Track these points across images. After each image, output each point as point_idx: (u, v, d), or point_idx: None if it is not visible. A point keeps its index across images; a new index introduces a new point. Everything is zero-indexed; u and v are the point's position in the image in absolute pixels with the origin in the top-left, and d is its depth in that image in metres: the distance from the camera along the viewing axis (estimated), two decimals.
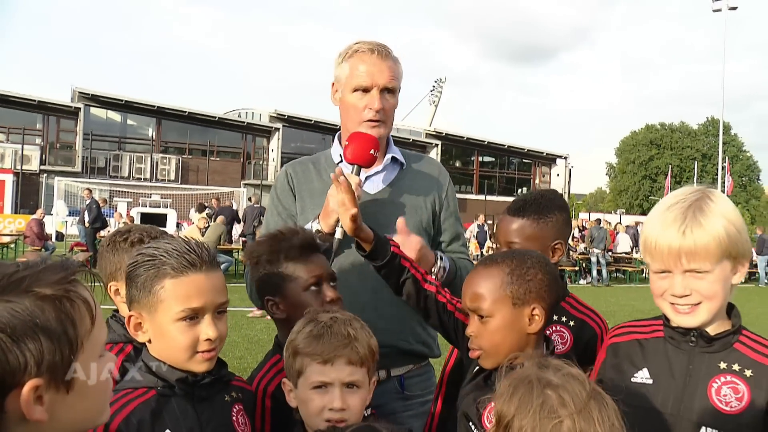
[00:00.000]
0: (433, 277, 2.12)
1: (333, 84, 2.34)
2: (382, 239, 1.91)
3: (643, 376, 1.69)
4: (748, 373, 1.59)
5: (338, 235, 2.08)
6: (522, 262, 1.72)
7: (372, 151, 2.14)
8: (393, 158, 2.38)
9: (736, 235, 1.58)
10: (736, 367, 1.61)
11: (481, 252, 20.84)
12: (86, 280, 1.18)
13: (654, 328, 1.75)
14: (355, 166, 2.15)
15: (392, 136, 2.46)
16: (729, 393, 1.59)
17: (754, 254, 23.79)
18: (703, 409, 1.60)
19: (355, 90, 2.23)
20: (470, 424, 1.69)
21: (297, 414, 1.69)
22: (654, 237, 1.61)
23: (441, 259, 2.23)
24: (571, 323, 2.03)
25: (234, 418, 1.67)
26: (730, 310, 1.68)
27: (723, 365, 1.62)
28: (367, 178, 2.32)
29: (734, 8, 37.81)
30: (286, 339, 1.74)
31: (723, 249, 1.57)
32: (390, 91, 2.24)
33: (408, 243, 2.06)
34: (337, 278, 2.17)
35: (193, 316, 1.57)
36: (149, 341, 1.61)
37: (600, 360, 1.79)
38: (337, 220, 2.08)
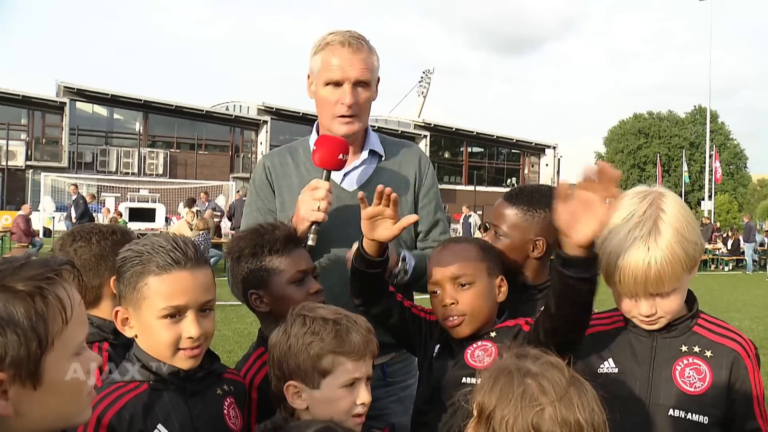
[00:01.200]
0: (394, 279, 2.11)
1: (308, 76, 2.29)
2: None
3: (608, 366, 1.74)
4: (708, 353, 1.68)
5: (310, 242, 2.08)
6: (484, 243, 1.99)
7: (341, 156, 2.11)
8: (371, 151, 2.34)
9: (692, 247, 1.63)
10: (696, 349, 1.69)
11: None
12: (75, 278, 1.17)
13: (615, 319, 1.81)
14: (325, 171, 2.13)
15: (381, 128, 2.45)
16: (692, 374, 1.67)
17: (742, 242, 23.97)
18: (670, 392, 1.66)
19: (327, 84, 2.19)
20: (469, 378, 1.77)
21: (287, 413, 1.64)
22: (619, 269, 1.63)
23: (404, 259, 2.15)
24: None
25: (225, 411, 1.68)
26: (687, 295, 1.74)
27: (684, 348, 1.70)
28: (345, 174, 2.29)
29: None
30: (271, 332, 1.73)
31: (684, 266, 1.62)
32: (363, 84, 2.19)
33: None
34: (321, 281, 2.15)
35: (176, 314, 1.57)
36: (136, 336, 1.62)
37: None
38: (309, 227, 2.07)
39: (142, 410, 1.53)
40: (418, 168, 2.40)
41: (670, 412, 1.65)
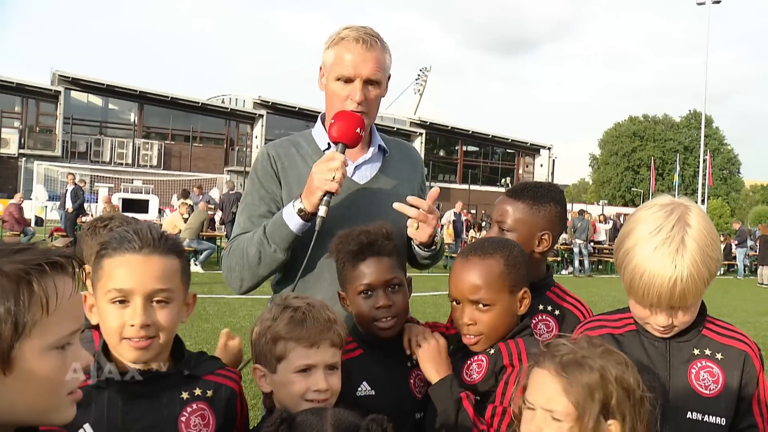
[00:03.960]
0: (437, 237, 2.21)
1: (320, 68, 2.29)
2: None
3: None
4: (719, 356, 1.71)
5: (321, 213, 2.06)
6: (511, 251, 1.86)
7: (358, 130, 2.12)
8: (378, 146, 2.36)
9: (714, 265, 1.64)
10: (707, 351, 1.72)
11: (457, 242, 20.50)
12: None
13: (625, 321, 1.82)
14: (340, 144, 2.12)
15: (376, 124, 2.43)
16: (706, 377, 1.69)
17: (733, 246, 24.10)
18: (687, 395, 1.68)
19: (338, 79, 2.19)
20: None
21: (268, 400, 1.71)
22: (643, 283, 1.61)
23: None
24: (557, 312, 2.07)
25: (184, 417, 1.57)
26: None
27: (696, 351, 1.73)
28: (356, 168, 2.29)
29: (718, 1, 38.06)
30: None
31: (706, 283, 1.63)
32: (373, 82, 2.19)
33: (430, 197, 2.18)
34: (316, 269, 2.16)
35: (123, 299, 1.50)
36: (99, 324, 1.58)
37: None
38: (321, 198, 2.06)
39: None
40: (417, 167, 2.49)
41: (689, 414, 1.67)
